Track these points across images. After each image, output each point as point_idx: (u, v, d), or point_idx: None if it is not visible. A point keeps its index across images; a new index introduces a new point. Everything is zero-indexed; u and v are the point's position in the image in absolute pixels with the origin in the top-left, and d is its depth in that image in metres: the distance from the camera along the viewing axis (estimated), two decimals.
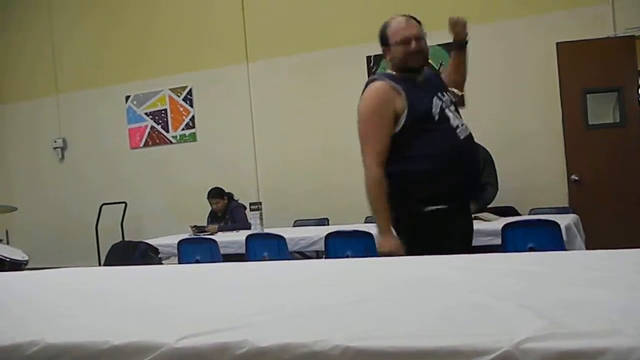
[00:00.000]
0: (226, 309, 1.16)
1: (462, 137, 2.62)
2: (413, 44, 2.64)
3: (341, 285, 1.32)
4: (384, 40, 2.73)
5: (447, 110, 2.63)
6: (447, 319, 0.94)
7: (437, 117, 2.59)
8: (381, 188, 2.56)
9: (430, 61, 6.19)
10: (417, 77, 2.69)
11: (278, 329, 0.94)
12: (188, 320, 1.07)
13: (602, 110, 5.38)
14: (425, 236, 2.50)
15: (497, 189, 5.02)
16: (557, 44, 5.35)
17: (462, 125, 2.66)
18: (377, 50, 6.70)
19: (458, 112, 2.72)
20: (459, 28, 2.80)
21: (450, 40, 2.93)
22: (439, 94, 2.66)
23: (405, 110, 2.57)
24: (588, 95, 5.35)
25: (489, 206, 4.89)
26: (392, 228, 2.56)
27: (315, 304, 1.13)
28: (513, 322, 0.88)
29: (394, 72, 2.71)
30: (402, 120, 2.57)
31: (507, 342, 0.78)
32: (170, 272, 1.92)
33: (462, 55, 2.87)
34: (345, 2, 6.41)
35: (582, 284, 1.14)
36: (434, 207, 2.55)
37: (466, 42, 2.84)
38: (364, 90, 2.72)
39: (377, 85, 2.67)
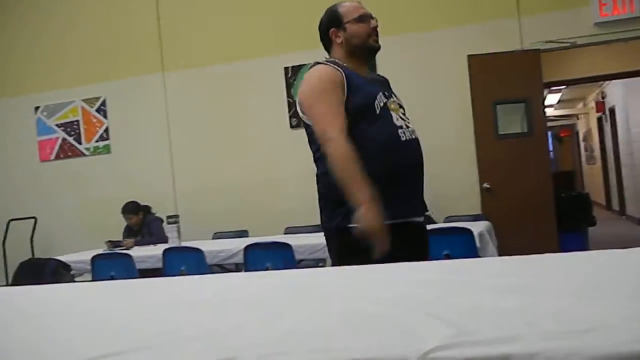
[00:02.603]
0: (133, 329, 1.12)
1: (403, 139, 2.34)
2: (374, 21, 2.46)
3: (250, 301, 1.30)
4: (335, 20, 2.45)
5: (391, 109, 2.38)
6: (355, 331, 0.93)
7: (378, 111, 2.33)
8: (352, 156, 2.21)
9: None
10: (363, 69, 2.49)
11: (184, 348, 0.91)
12: (92, 341, 1.02)
13: (511, 121, 5.61)
14: (350, 257, 2.00)
15: None
16: (468, 56, 5.54)
17: (408, 128, 2.39)
18: (295, 61, 6.72)
19: (406, 117, 2.45)
20: None
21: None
22: (385, 93, 2.43)
23: (345, 96, 2.32)
24: (498, 106, 5.57)
25: None
26: (376, 201, 2.16)
27: (225, 321, 1.10)
28: (421, 332, 0.89)
29: (337, 60, 2.44)
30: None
31: (414, 353, 0.78)
32: (77, 290, 1.84)
33: None
34: (262, 13, 6.41)
35: (489, 290, 1.17)
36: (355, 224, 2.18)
37: None
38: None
39: (320, 67, 2.41)
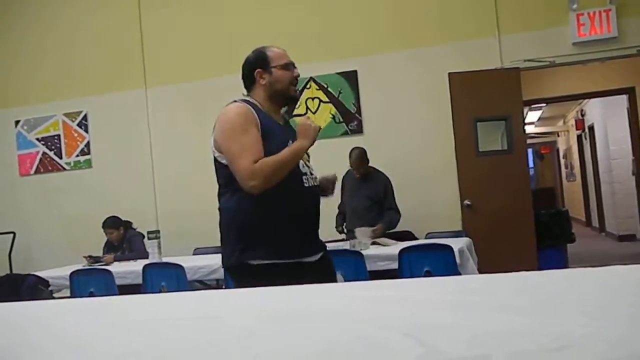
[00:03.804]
0: (95, 350, 1.11)
1: (306, 185, 2.48)
2: (296, 70, 2.59)
3: (222, 318, 1.30)
4: (263, 62, 2.55)
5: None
6: (328, 351, 0.94)
7: None
8: (266, 161, 2.35)
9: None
10: (278, 115, 2.60)
11: None
12: None
13: (491, 138, 5.67)
14: None
15: (400, 215, 5.13)
16: (449, 74, 5.60)
17: (312, 175, 2.54)
18: None
19: (310, 165, 2.59)
20: (330, 186, 2.72)
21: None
22: (293, 140, 2.50)
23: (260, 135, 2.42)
24: (478, 124, 5.63)
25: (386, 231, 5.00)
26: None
27: (196, 338, 1.10)
28: (395, 352, 0.89)
29: (257, 101, 2.54)
30: None
31: None
32: (51, 309, 1.82)
33: None
34: (244, 30, 6.43)
35: (462, 308, 1.18)
36: (259, 262, 2.37)
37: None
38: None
39: (237, 104, 2.51)
